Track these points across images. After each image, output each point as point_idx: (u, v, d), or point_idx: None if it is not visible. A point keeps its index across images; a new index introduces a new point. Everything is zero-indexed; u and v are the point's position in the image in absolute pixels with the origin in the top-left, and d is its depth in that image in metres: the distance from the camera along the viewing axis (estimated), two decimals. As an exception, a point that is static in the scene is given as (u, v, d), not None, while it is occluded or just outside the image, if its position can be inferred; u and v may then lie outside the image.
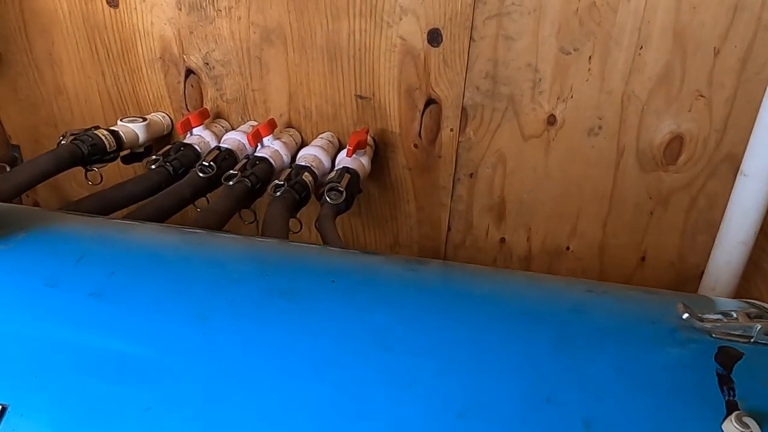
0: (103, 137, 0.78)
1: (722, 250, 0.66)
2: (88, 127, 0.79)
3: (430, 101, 0.81)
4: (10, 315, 0.32)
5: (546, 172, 0.82)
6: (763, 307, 0.31)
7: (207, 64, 0.86)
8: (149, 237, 0.41)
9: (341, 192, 0.70)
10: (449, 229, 0.90)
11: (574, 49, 0.74)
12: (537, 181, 0.83)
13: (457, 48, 0.77)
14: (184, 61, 0.86)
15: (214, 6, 0.81)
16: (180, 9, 0.83)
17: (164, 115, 0.90)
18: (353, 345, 0.30)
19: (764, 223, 0.71)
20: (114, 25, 0.86)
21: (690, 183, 0.78)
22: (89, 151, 0.75)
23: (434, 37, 0.77)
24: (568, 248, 0.87)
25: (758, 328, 0.30)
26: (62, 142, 0.75)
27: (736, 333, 0.30)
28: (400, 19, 0.77)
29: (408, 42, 0.78)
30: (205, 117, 0.84)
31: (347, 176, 0.73)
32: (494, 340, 0.30)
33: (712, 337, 0.30)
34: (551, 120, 0.78)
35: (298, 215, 0.73)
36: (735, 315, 0.31)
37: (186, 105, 0.90)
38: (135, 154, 0.86)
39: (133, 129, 0.83)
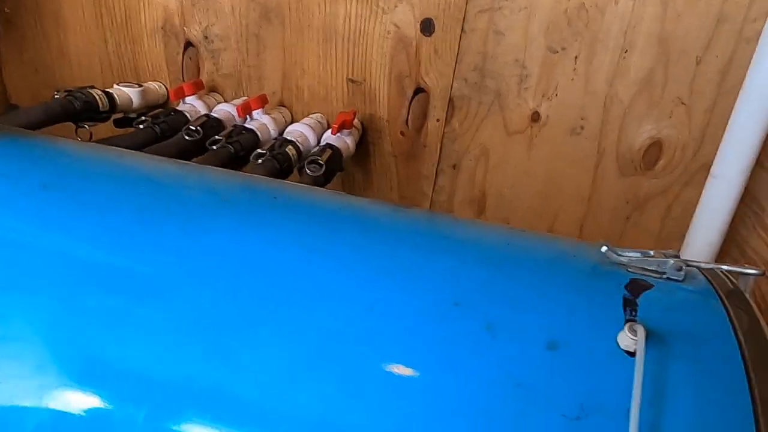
0: (96, 96, 0.79)
1: (690, 250, 0.67)
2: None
3: (418, 90, 0.83)
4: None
5: (527, 168, 0.83)
6: (691, 261, 0.32)
7: (206, 37, 0.88)
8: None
9: (321, 165, 0.72)
10: (429, 219, 0.91)
11: (561, 48, 0.76)
12: (518, 177, 0.84)
13: (448, 39, 0.79)
14: (185, 33, 0.89)
15: (217, -19, 0.84)
16: (184, -19, 0.85)
17: (161, 84, 0.91)
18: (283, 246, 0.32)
19: (733, 231, 0.72)
20: (120, -7, 0.89)
21: (666, 190, 0.79)
22: (81, 108, 0.77)
23: (427, 27, 0.79)
24: (544, 247, 0.88)
25: (670, 263, 0.31)
26: (56, 97, 0.77)
27: (651, 268, 0.31)
28: (395, 7, 0.79)
29: (401, 30, 0.80)
30: (199, 88, 0.86)
31: (329, 151, 0.74)
32: (423, 254, 0.31)
33: (628, 271, 0.31)
34: (535, 117, 0.80)
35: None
36: (652, 253, 0.32)
37: (183, 77, 0.92)
38: (128, 119, 0.88)
39: (127, 93, 0.85)
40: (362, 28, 0.81)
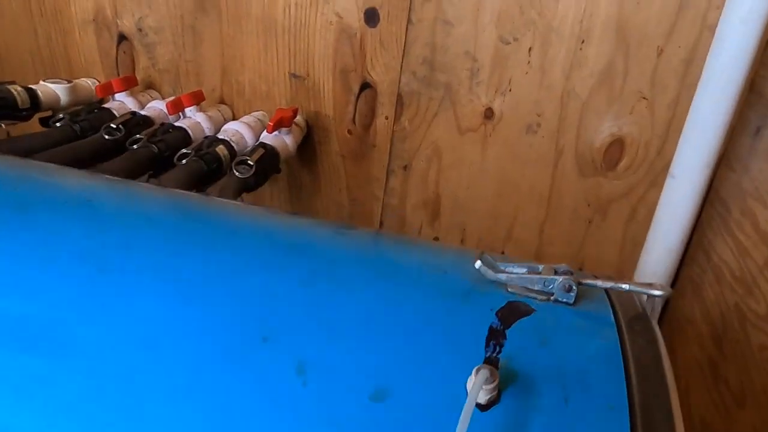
0: (15, 93, 0.73)
1: (649, 258, 0.61)
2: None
3: (365, 85, 0.77)
4: None
5: (482, 169, 0.77)
6: (589, 276, 0.26)
7: (140, 30, 0.82)
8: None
9: (250, 166, 0.66)
10: (381, 224, 0.85)
11: (514, 39, 0.70)
12: (473, 178, 0.78)
13: (394, 30, 0.73)
14: (117, 25, 0.83)
15: (149, -32, 0.78)
16: (115, -31, 0.79)
17: (94, 81, 0.85)
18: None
19: (700, 234, 0.66)
20: (48, -18, 0.83)
21: (630, 191, 0.74)
22: (-4, 105, 0.71)
23: (371, 17, 0.73)
24: (503, 253, 0.82)
25: (558, 282, 0.25)
26: (-32, 93, 0.71)
27: (536, 288, 0.26)
28: (337, -5, 0.73)
29: (344, 20, 0.74)
30: (131, 84, 0.80)
31: (261, 151, 0.68)
32: (238, 270, 0.25)
33: (507, 291, 0.25)
34: (488, 114, 0.74)
35: (208, 190, 0.69)
36: (540, 269, 0.26)
37: (118, 72, 0.86)
38: (55, 117, 0.82)
39: (53, 90, 0.79)
40: (303, 18, 0.75)
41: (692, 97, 0.67)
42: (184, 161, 0.66)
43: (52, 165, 0.39)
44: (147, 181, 0.69)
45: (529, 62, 0.71)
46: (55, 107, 0.80)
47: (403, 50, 0.74)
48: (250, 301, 0.23)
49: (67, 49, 0.86)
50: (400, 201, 0.83)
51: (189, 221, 0.30)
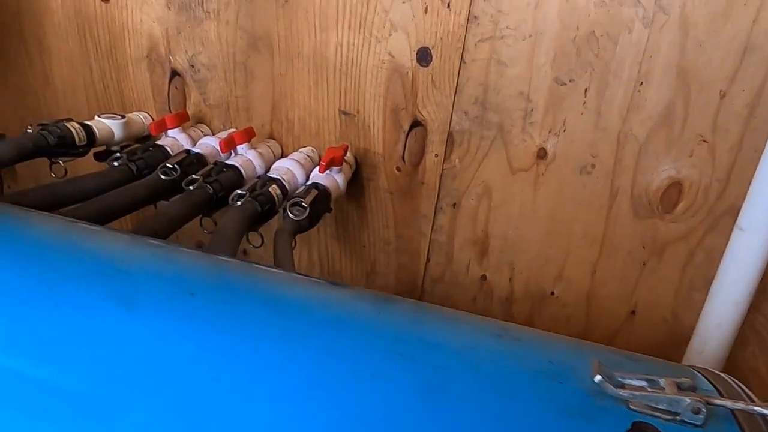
0: (73, 130, 0.75)
1: (713, 310, 0.60)
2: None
3: (415, 123, 0.77)
4: None
5: (533, 209, 0.76)
6: (707, 377, 0.25)
7: (192, 66, 0.83)
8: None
9: (304, 208, 0.66)
10: (428, 260, 0.84)
11: (570, 80, 0.69)
12: (523, 217, 0.77)
13: (446, 69, 0.73)
14: (170, 61, 0.84)
15: (203, 7, 0.79)
16: (169, 8, 0.81)
17: (146, 115, 0.87)
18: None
19: (765, 282, 0.64)
20: (104, 20, 0.84)
21: (688, 235, 0.72)
22: (56, 143, 0.72)
23: (423, 56, 0.73)
24: (552, 293, 0.80)
25: (686, 403, 0.24)
26: (28, 132, 0.72)
27: (660, 407, 0.24)
28: (390, 35, 0.73)
29: (396, 59, 0.74)
30: (183, 120, 0.81)
31: (314, 192, 0.68)
32: (347, 381, 0.24)
33: (629, 408, 0.24)
34: (541, 154, 0.73)
35: (260, 230, 0.69)
36: (662, 384, 0.25)
37: (169, 107, 0.87)
38: (109, 152, 0.83)
39: (108, 125, 0.80)
40: (355, 57, 0.76)
41: (757, 141, 0.65)
42: (239, 203, 0.66)
43: (138, 237, 0.39)
44: (201, 222, 0.69)
45: (584, 103, 0.70)
46: (109, 142, 0.81)
47: (455, 90, 0.73)
48: (367, 421, 0.23)
49: (120, 84, 0.88)
50: (448, 238, 0.82)
51: (283, 314, 0.30)
